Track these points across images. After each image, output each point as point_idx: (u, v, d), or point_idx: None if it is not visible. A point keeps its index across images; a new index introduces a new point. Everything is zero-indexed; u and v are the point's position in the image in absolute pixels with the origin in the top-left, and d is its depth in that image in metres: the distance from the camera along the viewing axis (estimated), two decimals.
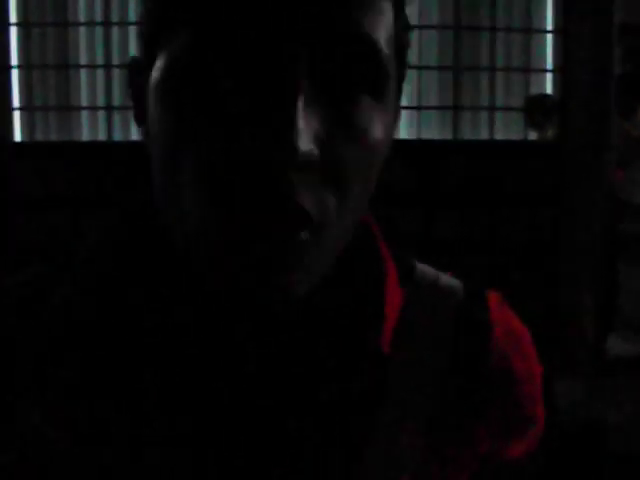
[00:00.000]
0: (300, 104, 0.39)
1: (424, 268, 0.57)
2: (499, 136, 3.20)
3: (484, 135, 3.19)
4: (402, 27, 0.46)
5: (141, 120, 0.49)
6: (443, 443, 0.51)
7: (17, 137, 2.98)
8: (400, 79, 0.47)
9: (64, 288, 0.52)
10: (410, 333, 0.52)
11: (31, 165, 2.72)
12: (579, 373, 2.80)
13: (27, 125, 3.01)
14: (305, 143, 0.38)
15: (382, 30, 0.42)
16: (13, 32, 2.92)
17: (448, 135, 3.13)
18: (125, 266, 0.52)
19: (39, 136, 3.01)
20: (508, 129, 3.25)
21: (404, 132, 3.18)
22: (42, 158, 2.73)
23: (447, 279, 0.57)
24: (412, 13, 3.18)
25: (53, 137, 3.02)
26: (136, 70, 0.49)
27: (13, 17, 2.93)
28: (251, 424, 0.48)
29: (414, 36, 3.17)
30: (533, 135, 3.38)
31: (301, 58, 0.40)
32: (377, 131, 0.43)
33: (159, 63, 0.44)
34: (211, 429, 0.48)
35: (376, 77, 0.43)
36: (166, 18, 0.43)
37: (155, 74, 0.44)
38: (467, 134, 3.16)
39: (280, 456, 0.48)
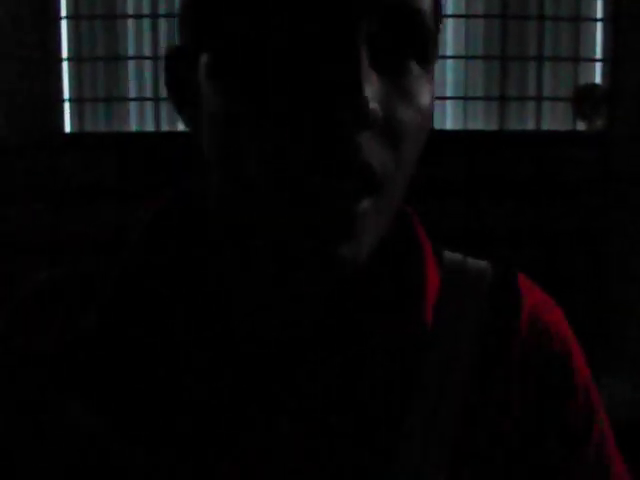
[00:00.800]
0: (364, 66, 0.41)
1: (450, 254, 0.58)
2: (546, 127, 3.15)
3: (531, 126, 3.14)
4: (437, 3, 0.48)
5: (182, 106, 0.50)
6: (478, 428, 0.51)
7: (67, 128, 3.04)
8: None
9: (106, 285, 0.53)
10: (446, 316, 0.53)
11: (81, 155, 2.78)
12: (624, 371, 2.75)
13: (77, 116, 3.07)
14: (372, 101, 0.40)
15: (427, 1, 0.45)
16: (64, 25, 2.97)
17: (494, 126, 3.10)
18: (168, 263, 0.53)
19: (88, 127, 3.06)
20: (556, 120, 3.20)
21: (450, 123, 3.16)
22: (91, 148, 2.78)
23: (475, 263, 0.58)
24: (459, 1, 3.15)
25: (102, 128, 3.07)
26: (177, 58, 0.50)
27: (63, 10, 2.98)
28: (289, 406, 0.49)
29: (461, 25, 3.14)
30: (581, 126, 3.32)
31: (360, 25, 0.42)
32: (426, 97, 0.46)
33: (213, 48, 0.45)
34: (246, 414, 0.49)
35: (423, 45, 0.45)
36: (215, 6, 0.45)
37: (208, 58, 0.45)
38: (514, 125, 3.12)
39: (319, 438, 0.49)
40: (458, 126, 3.14)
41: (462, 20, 3.16)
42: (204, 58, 0.46)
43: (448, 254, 0.58)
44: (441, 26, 0.49)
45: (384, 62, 0.43)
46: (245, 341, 0.50)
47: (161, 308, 0.51)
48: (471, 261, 0.58)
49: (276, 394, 0.49)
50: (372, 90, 0.41)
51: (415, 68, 0.45)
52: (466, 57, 3.17)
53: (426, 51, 0.45)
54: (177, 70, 0.50)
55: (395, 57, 0.44)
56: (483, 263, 0.58)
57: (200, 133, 0.48)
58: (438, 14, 0.47)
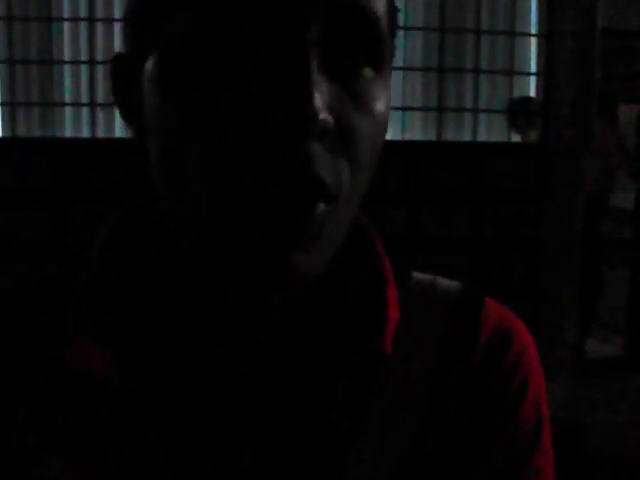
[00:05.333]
0: (314, 74, 0.39)
1: (419, 275, 0.57)
2: (482, 138, 3.22)
3: (468, 136, 3.20)
4: (393, 6, 0.47)
5: (129, 115, 0.48)
6: (434, 445, 0.50)
7: None
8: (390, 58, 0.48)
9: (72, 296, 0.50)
10: (405, 336, 0.51)
11: (13, 160, 2.70)
12: (559, 374, 2.82)
13: (9, 120, 2.99)
14: (322, 111, 0.39)
15: (381, 5, 0.43)
16: None
17: (432, 136, 3.14)
18: (129, 272, 0.50)
19: (21, 131, 2.98)
20: (491, 131, 3.27)
21: (389, 133, 3.19)
22: (24, 154, 2.71)
23: (444, 283, 0.56)
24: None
25: (35, 133, 2.99)
26: (122, 65, 0.48)
27: None
28: (242, 424, 0.47)
29: (399, 37, 3.18)
30: (516, 137, 3.40)
31: (310, 29, 0.40)
32: (380, 103, 0.44)
33: (157, 52, 0.43)
34: (202, 432, 0.47)
35: (376, 50, 0.43)
36: (159, 7, 0.43)
37: (153, 63, 0.43)
38: (451, 135, 3.17)
39: (269, 456, 0.47)
40: (397, 136, 3.17)
41: (401, 32, 3.20)
42: (149, 64, 0.44)
43: (417, 275, 0.56)
44: (397, 32, 0.48)
45: (336, 66, 0.42)
46: (202, 362, 0.48)
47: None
48: (440, 282, 0.56)
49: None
50: (323, 99, 0.39)
51: (369, 73, 0.43)
52: (405, 69, 3.22)
53: (381, 55, 0.44)
54: (123, 77, 0.48)
55: (348, 61, 0.42)
56: (453, 284, 0.56)
57: (146, 143, 0.46)
58: (393, 19, 0.46)
